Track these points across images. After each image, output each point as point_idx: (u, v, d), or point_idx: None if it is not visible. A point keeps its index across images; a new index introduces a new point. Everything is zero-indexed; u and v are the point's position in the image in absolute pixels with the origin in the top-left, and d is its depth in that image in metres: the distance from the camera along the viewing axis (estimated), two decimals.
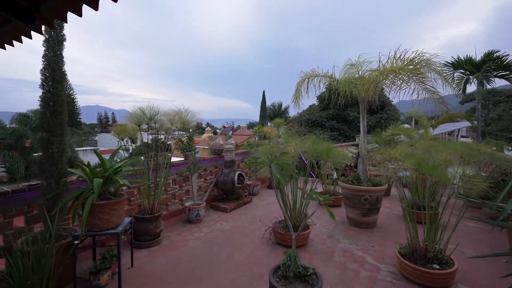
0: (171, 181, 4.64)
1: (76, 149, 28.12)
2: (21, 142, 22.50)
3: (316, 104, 33.69)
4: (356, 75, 4.45)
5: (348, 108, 20.28)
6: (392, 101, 19.92)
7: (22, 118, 24.36)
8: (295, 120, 35.06)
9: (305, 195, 2.24)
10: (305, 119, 21.79)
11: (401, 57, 3.56)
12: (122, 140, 3.58)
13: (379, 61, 3.90)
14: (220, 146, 5.60)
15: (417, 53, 3.41)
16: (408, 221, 2.96)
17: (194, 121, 3.79)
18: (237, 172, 5.37)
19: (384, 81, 3.84)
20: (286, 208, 3.79)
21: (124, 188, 3.66)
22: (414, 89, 3.45)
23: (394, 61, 3.63)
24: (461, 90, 7.76)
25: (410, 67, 3.38)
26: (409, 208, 4.75)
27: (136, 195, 4.05)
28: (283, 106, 51.43)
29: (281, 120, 7.00)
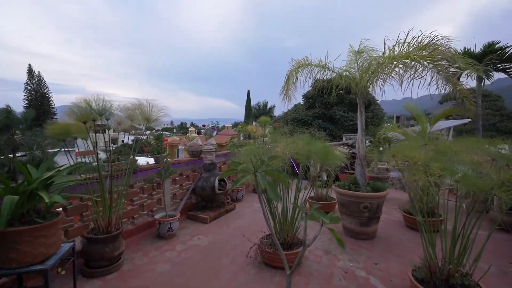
0: (138, 189, 3.91)
1: (50, 150, 26.32)
2: None
3: (302, 103, 33.53)
4: (355, 64, 3.90)
5: (334, 107, 20.08)
6: (378, 100, 19.94)
7: None
8: (281, 120, 34.77)
9: (303, 212, 1.67)
10: (291, 118, 21.39)
11: (412, 42, 3.02)
12: (63, 141, 2.83)
13: (385, 47, 3.36)
14: (199, 147, 4.91)
15: (432, 36, 2.88)
16: (424, 235, 2.42)
17: (161, 116, 3.09)
18: (218, 177, 4.71)
19: (395, 68, 3.30)
20: (275, 220, 3.18)
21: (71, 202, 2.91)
22: (432, 79, 2.93)
23: (404, 47, 3.09)
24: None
25: (423, 52, 2.86)
26: (407, 214, 4.35)
27: (91, 208, 3.29)
28: (269, 106, 51.05)
29: (267, 118, 6.40)
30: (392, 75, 3.39)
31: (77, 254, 2.90)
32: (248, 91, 45.14)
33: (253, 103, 47.48)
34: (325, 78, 4.04)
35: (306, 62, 4.02)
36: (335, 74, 4.00)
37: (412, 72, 3.03)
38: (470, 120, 8.33)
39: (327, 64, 3.97)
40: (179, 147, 34.59)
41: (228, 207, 4.93)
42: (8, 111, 23.85)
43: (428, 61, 2.78)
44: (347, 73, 3.97)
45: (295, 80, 4.14)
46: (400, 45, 3.06)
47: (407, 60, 2.94)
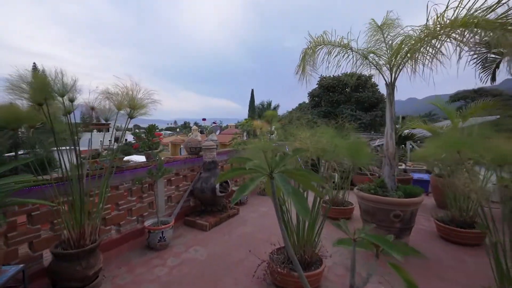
0: (126, 191, 3.33)
1: (52, 149, 25.96)
2: None
3: (307, 102, 32.89)
4: (383, 44, 3.27)
5: (341, 105, 19.42)
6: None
7: None
8: (285, 118, 34.17)
9: (354, 237, 1.11)
10: (296, 117, 20.76)
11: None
12: (13, 130, 2.26)
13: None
14: (198, 143, 4.33)
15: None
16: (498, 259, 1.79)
17: (149, 103, 2.50)
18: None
19: (443, 43, 2.64)
20: (288, 229, 2.58)
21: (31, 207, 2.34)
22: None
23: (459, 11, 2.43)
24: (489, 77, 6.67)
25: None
26: (441, 223, 3.68)
27: (68, 213, 2.71)
28: (273, 105, 50.40)
29: (274, 112, 5.79)
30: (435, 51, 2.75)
31: (43, 273, 2.33)
32: (252, 90, 44.55)
33: (256, 102, 46.87)
34: (348, 59, 3.40)
35: (326, 40, 3.39)
36: (359, 56, 3.36)
37: (469, 46, 2.38)
38: (499, 117, 7.62)
39: (349, 43, 3.34)
40: (182, 146, 34.19)
41: (231, 212, 4.34)
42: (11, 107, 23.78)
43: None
44: (373, 55, 3.34)
45: (313, 63, 3.52)
46: (452, 11, 2.41)
47: (465, 30, 2.29)
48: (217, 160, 4.38)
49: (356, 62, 3.31)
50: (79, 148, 2.52)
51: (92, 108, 2.50)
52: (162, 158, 3.78)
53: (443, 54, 2.67)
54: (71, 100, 2.23)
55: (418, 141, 6.21)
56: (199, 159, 4.39)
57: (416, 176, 5.53)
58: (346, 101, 20.00)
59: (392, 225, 3.02)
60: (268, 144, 2.84)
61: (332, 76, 20.55)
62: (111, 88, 2.32)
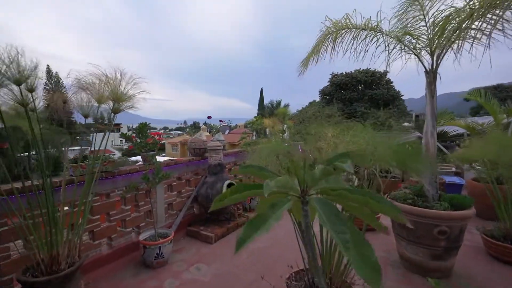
0: (118, 199, 2.91)
1: (64, 149, 26.23)
2: None
3: (317, 100, 32.15)
4: (422, 23, 2.70)
5: (354, 103, 18.66)
6: (402, 95, 18.29)
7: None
8: (296, 117, 33.47)
9: None
10: (306, 116, 20.10)
11: None
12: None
13: None
14: (202, 143, 3.87)
15: None
16: None
17: (136, 94, 2.05)
18: (227, 182, 3.65)
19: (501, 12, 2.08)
20: (309, 248, 2.07)
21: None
22: None
23: None
24: None
25: None
26: (492, 239, 3.06)
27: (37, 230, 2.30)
28: (282, 104, 49.77)
29: (286, 110, 5.29)
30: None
31: None
32: (261, 89, 44.10)
33: (265, 102, 46.36)
34: (377, 43, 2.83)
35: (349, 24, 2.84)
36: (391, 40, 2.80)
37: None
38: None
39: (379, 25, 2.78)
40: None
41: (240, 221, 3.87)
42: None
43: None
44: (409, 37, 2.77)
45: (331, 50, 2.97)
46: None
47: None
48: (224, 162, 3.91)
49: (387, 47, 2.75)
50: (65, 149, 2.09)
51: (64, 102, 2.08)
52: (164, 160, 3.35)
53: (507, 21, 2.08)
54: (30, 90, 1.79)
55: (455, 141, 5.53)
56: (204, 161, 3.93)
57: (448, 179, 4.89)
58: (359, 98, 19.22)
59: (436, 244, 2.46)
60: (280, 145, 2.34)
61: (344, 73, 19.82)
62: (89, 76, 1.87)
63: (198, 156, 3.90)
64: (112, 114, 2.16)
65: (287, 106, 49.46)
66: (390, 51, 2.71)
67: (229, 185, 3.72)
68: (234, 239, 3.51)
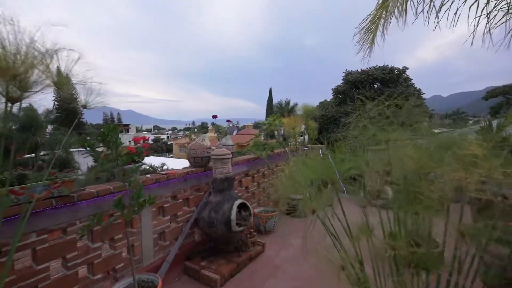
0: (79, 235, 2.03)
1: (71, 150, 25.89)
2: (1, 144, 20.36)
3: (328, 99, 30.93)
4: None
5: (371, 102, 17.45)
6: (423, 93, 16.98)
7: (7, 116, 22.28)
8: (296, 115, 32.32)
9: None
10: (319, 115, 19.00)
11: None
12: None
13: None
14: (205, 150, 2.96)
15: None
16: None
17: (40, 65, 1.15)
18: (237, 202, 2.74)
19: None
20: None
21: None
22: None
23: None
24: None
25: None
26: None
27: None
28: (291, 104, 48.67)
29: (311, 107, 4.36)
30: None
31: None
32: (270, 89, 43.13)
33: (274, 101, 45.40)
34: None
35: None
36: None
37: None
38: None
39: None
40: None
41: (253, 251, 2.95)
42: (29, 109, 23.72)
43: None
44: None
45: (402, 9, 2.00)
46: None
47: None
48: (233, 175, 3.01)
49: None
50: None
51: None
52: (148, 176, 2.46)
53: None
54: None
55: None
56: (208, 173, 3.04)
57: None
58: (376, 97, 18.00)
59: None
60: (327, 166, 1.42)
61: (360, 70, 18.67)
62: None
63: (199, 167, 3.01)
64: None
65: (295, 106, 48.43)
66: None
67: (241, 207, 2.81)
68: (247, 279, 2.59)
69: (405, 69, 17.55)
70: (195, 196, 2.95)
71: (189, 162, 3.01)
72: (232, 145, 3.39)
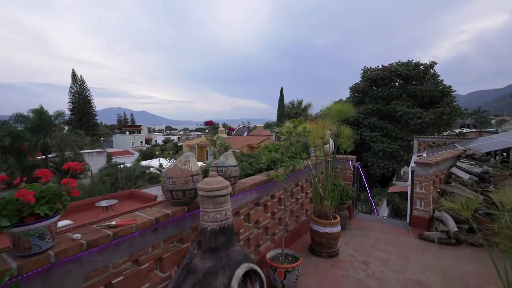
0: None
1: (81, 151, 25.54)
2: (15, 145, 20.21)
3: (344, 99, 29.34)
4: None
5: (393, 101, 15.91)
6: (454, 91, 15.28)
7: (20, 119, 22.18)
8: (320, 118, 30.67)
9: None
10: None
11: None
12: None
13: None
14: (187, 179, 1.83)
15: None
16: None
17: None
18: (241, 269, 1.60)
19: None
20: None
21: None
22: None
23: None
24: None
25: None
26: None
27: None
28: (304, 104, 47.12)
29: (343, 106, 3.17)
30: None
31: None
32: (281, 89, 41.82)
33: (286, 101, 44.02)
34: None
35: None
36: None
37: None
38: None
39: None
40: (208, 149, 32.40)
41: None
42: (41, 111, 23.51)
43: None
44: None
45: None
46: None
47: None
48: (230, 215, 1.87)
49: None
50: None
51: None
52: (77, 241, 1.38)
53: None
54: None
55: None
56: (196, 212, 1.92)
57: None
58: (398, 96, 16.44)
59: None
60: None
61: (381, 66, 17.13)
62: None
63: (181, 205, 1.88)
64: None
65: (308, 106, 46.86)
66: None
67: (247, 278, 1.67)
68: None
69: (433, 64, 15.88)
70: (174, 252, 1.84)
71: (165, 196, 1.89)
72: (235, 166, 2.26)
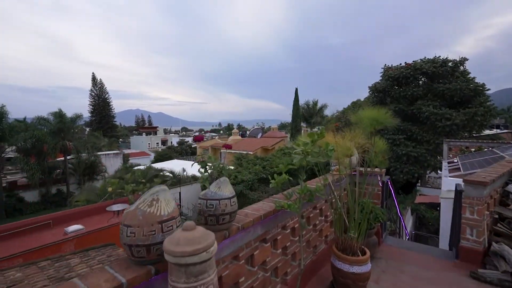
0: None
1: (99, 153, 25.95)
2: (36, 147, 20.77)
3: (362, 99, 28.04)
4: None
5: (417, 101, 14.70)
6: (488, 89, 13.87)
7: (42, 122, 22.82)
8: (337, 120, 29.42)
9: None
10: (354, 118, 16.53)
11: None
12: None
13: None
14: (153, 227, 1.24)
15: None
16: None
17: None
18: None
19: None
20: None
21: None
22: None
23: None
24: None
25: None
26: None
27: None
28: (319, 104, 45.85)
29: (382, 113, 2.47)
30: None
31: None
32: (296, 89, 40.91)
33: (301, 102, 42.98)
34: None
35: None
36: None
37: None
38: None
39: None
40: (222, 150, 32.00)
41: None
42: (60, 115, 24.06)
43: None
44: None
45: None
46: None
47: None
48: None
49: None
50: None
51: None
52: None
53: None
54: None
55: None
56: (167, 276, 1.33)
57: None
58: (424, 95, 15.20)
59: None
60: None
61: (404, 63, 15.96)
62: None
63: (146, 264, 1.30)
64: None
65: (324, 107, 45.56)
66: None
67: None
68: None
69: (463, 60, 14.52)
70: None
71: (126, 253, 1.31)
72: (231, 197, 1.66)
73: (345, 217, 2.71)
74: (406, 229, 7.03)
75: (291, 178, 2.16)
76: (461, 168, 7.10)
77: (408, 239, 7.64)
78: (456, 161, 10.14)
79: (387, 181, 3.99)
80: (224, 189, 1.65)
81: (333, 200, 2.87)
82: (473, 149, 10.10)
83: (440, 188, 15.72)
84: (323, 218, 3.17)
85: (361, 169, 2.97)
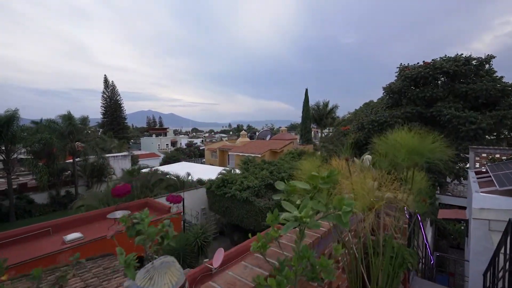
0: None
1: (107, 155, 25.84)
2: (44, 150, 20.83)
3: (375, 100, 26.74)
4: None
5: (437, 103, 13.57)
6: None
7: (51, 124, 22.88)
8: (349, 122, 28.22)
9: None
10: (368, 121, 15.53)
11: None
12: None
13: None
14: None
15: None
16: None
17: None
18: None
19: None
20: None
21: None
22: None
23: None
24: None
25: None
26: None
27: None
28: (330, 105, 44.59)
29: (427, 140, 1.72)
30: None
31: None
32: (306, 90, 39.88)
33: (311, 103, 41.88)
34: None
35: None
36: None
37: None
38: None
39: None
40: (230, 153, 31.38)
41: None
42: (69, 117, 24.04)
43: None
44: None
45: None
46: None
47: None
48: None
49: None
50: None
51: None
52: None
53: None
54: None
55: None
56: None
57: None
58: (444, 96, 14.04)
59: None
60: None
61: (422, 63, 14.84)
62: None
63: None
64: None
65: (335, 107, 44.23)
66: None
67: None
68: None
69: (489, 58, 13.30)
70: None
71: None
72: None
73: (363, 271, 1.98)
74: (432, 257, 6.15)
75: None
76: (495, 182, 6.12)
77: (432, 263, 6.73)
78: (484, 170, 9.05)
79: (417, 213, 3.19)
80: (160, 281, 0.96)
81: (346, 246, 2.15)
82: (504, 157, 9.01)
83: (462, 196, 14.49)
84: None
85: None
